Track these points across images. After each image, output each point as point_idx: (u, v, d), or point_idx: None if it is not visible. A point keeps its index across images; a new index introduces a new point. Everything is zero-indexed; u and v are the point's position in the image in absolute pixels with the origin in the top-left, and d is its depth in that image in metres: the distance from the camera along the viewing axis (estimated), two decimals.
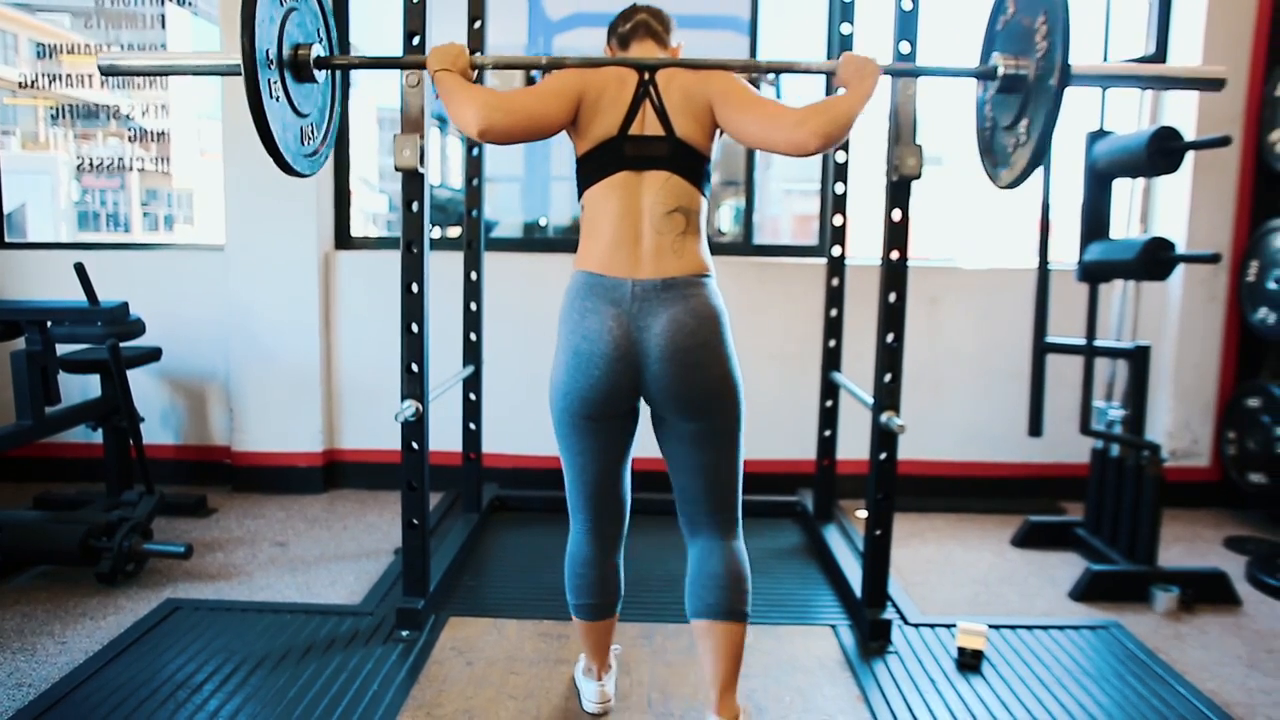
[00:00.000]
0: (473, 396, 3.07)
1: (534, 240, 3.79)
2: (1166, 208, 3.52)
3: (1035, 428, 3.00)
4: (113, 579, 2.52)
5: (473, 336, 3.03)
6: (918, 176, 2.04)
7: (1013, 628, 2.37)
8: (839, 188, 3.01)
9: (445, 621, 2.33)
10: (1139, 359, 2.73)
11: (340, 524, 3.19)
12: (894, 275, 2.17)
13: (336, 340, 3.55)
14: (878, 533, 2.26)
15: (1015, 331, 3.47)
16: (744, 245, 3.66)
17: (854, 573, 2.54)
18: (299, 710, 1.88)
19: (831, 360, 3.10)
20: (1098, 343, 2.82)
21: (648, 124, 1.60)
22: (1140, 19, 3.44)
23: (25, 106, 3.63)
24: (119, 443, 3.08)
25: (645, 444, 1.78)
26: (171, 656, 2.10)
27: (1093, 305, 2.82)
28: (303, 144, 1.83)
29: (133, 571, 2.60)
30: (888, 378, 2.20)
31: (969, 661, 2.14)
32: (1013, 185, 1.83)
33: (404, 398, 2.21)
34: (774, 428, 3.51)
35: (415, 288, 2.19)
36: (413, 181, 2.14)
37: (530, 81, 3.90)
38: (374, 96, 3.90)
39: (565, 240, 3.77)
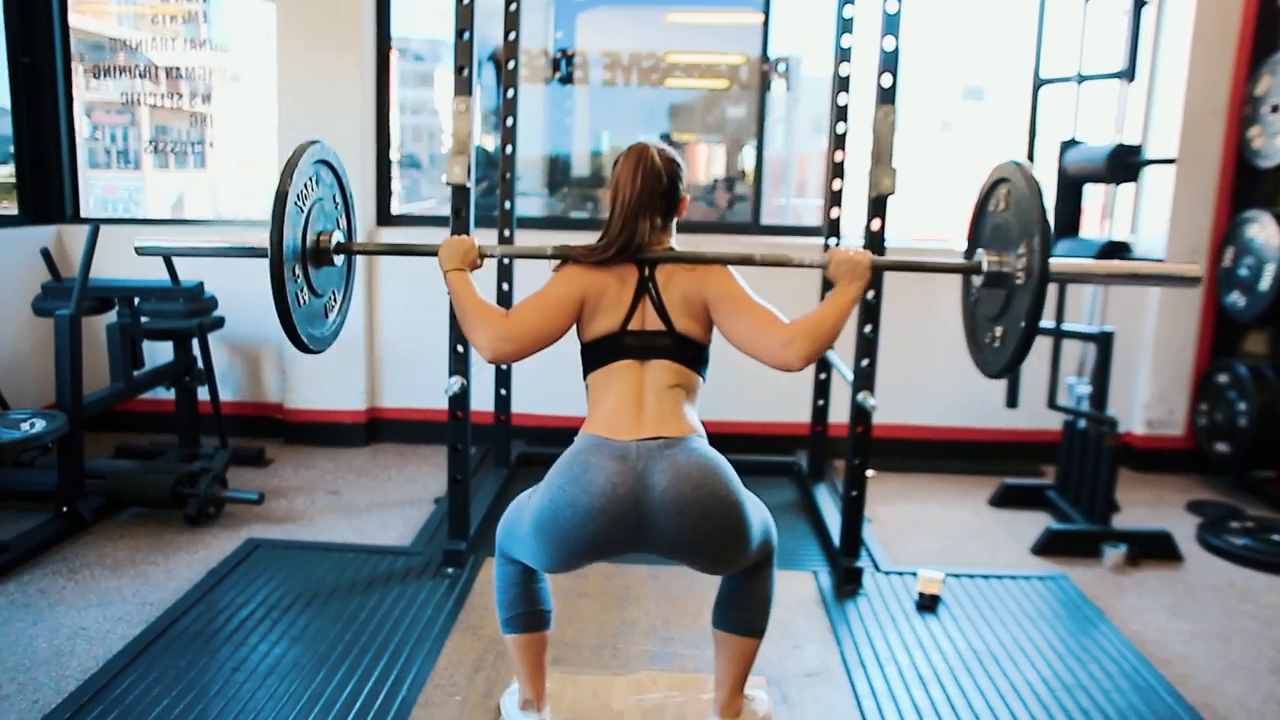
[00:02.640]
0: (503, 367, 3.43)
1: (559, 218, 4.11)
2: (1153, 200, 3.75)
3: (1012, 400, 3.32)
4: (198, 520, 2.94)
5: None
6: (892, 193, 2.34)
7: (971, 576, 2.73)
8: (836, 184, 3.29)
9: (483, 561, 2.72)
10: (1104, 343, 3.03)
11: (384, 474, 3.59)
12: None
13: (378, 310, 3.91)
14: (854, 493, 2.62)
15: None
16: (753, 225, 3.96)
17: (837, 526, 2.88)
18: (370, 628, 2.31)
19: None
20: (1066, 326, 3.13)
21: (649, 320, 1.67)
22: (1119, 30, 3.29)
23: None
24: (188, 401, 3.48)
25: None
26: (261, 585, 2.53)
27: (1061, 294, 3.12)
28: (319, 321, 1.89)
29: (213, 514, 3.02)
30: (864, 362, 2.53)
31: (926, 604, 2.51)
32: (1001, 375, 1.81)
33: (451, 374, 2.57)
34: (776, 393, 3.79)
35: None
36: (460, 194, 2.47)
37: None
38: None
39: (588, 220, 4.08)
